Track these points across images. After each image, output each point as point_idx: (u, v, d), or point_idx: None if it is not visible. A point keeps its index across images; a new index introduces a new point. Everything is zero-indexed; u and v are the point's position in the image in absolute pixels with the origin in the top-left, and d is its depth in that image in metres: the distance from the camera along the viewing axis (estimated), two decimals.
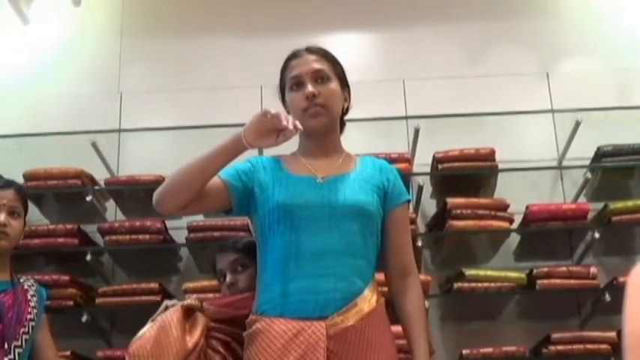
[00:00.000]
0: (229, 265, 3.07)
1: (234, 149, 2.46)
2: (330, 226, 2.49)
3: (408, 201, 2.77)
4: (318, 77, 2.66)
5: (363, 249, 2.52)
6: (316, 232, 2.48)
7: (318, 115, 2.64)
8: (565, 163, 5.32)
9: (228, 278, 3.05)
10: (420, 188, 4.94)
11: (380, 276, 2.69)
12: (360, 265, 2.50)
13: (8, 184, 3.52)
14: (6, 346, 3.12)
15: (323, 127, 2.66)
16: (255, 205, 2.60)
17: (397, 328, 2.65)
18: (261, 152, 4.80)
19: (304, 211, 2.50)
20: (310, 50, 2.74)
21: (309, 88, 2.63)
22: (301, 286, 2.43)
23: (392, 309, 2.64)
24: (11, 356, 3.11)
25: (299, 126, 2.38)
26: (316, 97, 2.62)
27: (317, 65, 2.69)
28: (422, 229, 5.16)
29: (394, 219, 2.67)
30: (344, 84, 2.76)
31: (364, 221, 2.54)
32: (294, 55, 2.75)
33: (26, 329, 3.21)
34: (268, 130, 2.39)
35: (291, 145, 2.73)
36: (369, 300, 2.48)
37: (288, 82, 2.70)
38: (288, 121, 2.35)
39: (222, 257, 3.13)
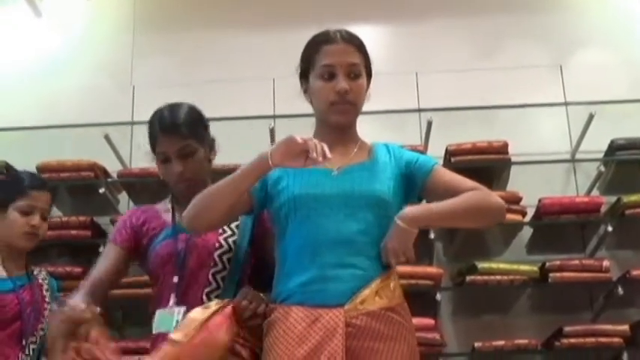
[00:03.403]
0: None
1: (260, 170, 2.43)
2: (347, 215, 2.48)
3: (436, 164, 2.70)
4: (351, 72, 2.58)
5: (380, 238, 2.51)
6: (332, 221, 2.47)
7: (346, 113, 2.60)
8: (578, 156, 5.31)
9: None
10: None
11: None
12: (377, 254, 2.49)
13: (43, 185, 3.52)
14: (23, 342, 3.14)
15: (348, 123, 2.65)
16: (270, 197, 2.59)
17: (417, 321, 2.64)
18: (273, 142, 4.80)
19: (320, 201, 2.50)
20: (345, 39, 2.62)
21: (343, 84, 2.55)
22: (318, 275, 2.43)
23: (412, 300, 2.63)
24: (27, 352, 3.12)
25: (328, 155, 2.32)
26: (347, 94, 2.57)
27: (352, 59, 2.60)
28: None
29: (436, 178, 2.61)
30: (369, 76, 2.71)
31: (380, 210, 2.53)
32: (328, 40, 2.62)
33: (43, 325, 3.23)
34: (296, 153, 2.34)
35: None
36: (388, 289, 2.48)
37: (318, 68, 2.60)
38: (317, 152, 2.30)
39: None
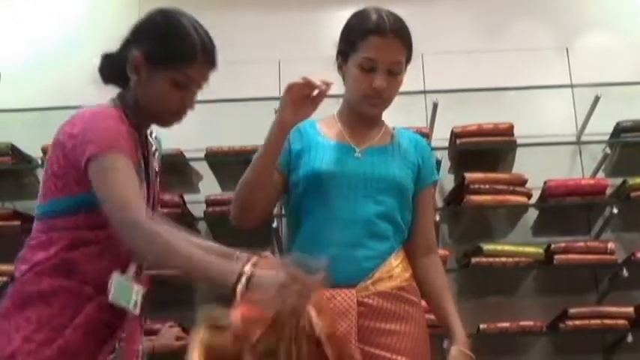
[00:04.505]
0: None
1: (279, 137, 2.42)
2: (365, 197, 2.50)
3: (436, 181, 2.77)
4: (393, 69, 2.52)
5: (396, 221, 2.54)
6: (350, 201, 2.49)
7: (378, 106, 2.59)
8: (584, 138, 5.30)
9: None
10: (438, 163, 4.93)
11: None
12: (392, 237, 2.52)
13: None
14: None
15: (378, 114, 2.65)
16: (291, 170, 2.59)
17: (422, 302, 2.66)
18: None
19: (340, 179, 2.50)
20: (396, 33, 2.50)
21: (382, 82, 2.49)
22: (332, 255, 2.40)
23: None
24: None
25: (329, 82, 2.35)
26: (383, 91, 2.53)
27: (397, 57, 2.52)
28: (440, 203, 5.16)
29: (423, 197, 2.67)
30: (408, 62, 2.64)
31: (399, 196, 2.55)
32: (378, 30, 2.49)
33: None
34: (302, 100, 2.34)
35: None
36: (400, 270, 2.51)
37: (360, 58, 2.50)
38: (319, 83, 2.32)
39: None
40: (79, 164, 2.06)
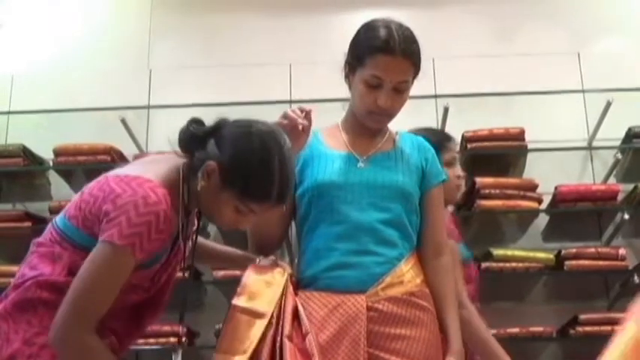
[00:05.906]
0: None
1: None
2: (369, 204, 2.50)
3: (444, 181, 2.75)
4: (399, 87, 2.52)
5: (403, 227, 2.54)
6: (355, 209, 2.49)
7: (381, 122, 2.62)
8: (595, 143, 5.29)
9: None
10: None
11: None
12: (400, 243, 2.51)
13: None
14: None
15: (381, 128, 2.67)
16: (297, 184, 2.59)
17: None
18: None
19: (344, 189, 2.51)
20: (404, 53, 2.48)
21: (386, 101, 2.50)
22: (340, 262, 2.46)
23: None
24: None
25: (307, 109, 2.44)
26: (387, 109, 2.54)
27: (404, 76, 2.50)
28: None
29: (430, 199, 2.66)
30: (415, 76, 2.61)
31: (404, 201, 2.55)
32: (387, 49, 2.47)
33: None
34: (294, 133, 2.39)
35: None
36: (411, 276, 2.51)
37: (367, 74, 2.49)
38: (301, 117, 2.40)
39: None
40: (99, 229, 2.04)
